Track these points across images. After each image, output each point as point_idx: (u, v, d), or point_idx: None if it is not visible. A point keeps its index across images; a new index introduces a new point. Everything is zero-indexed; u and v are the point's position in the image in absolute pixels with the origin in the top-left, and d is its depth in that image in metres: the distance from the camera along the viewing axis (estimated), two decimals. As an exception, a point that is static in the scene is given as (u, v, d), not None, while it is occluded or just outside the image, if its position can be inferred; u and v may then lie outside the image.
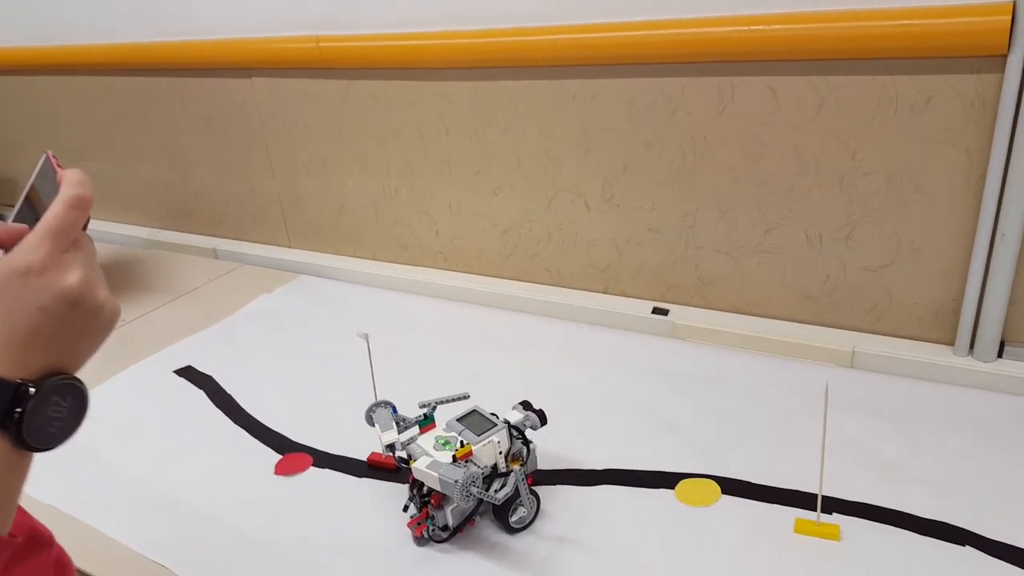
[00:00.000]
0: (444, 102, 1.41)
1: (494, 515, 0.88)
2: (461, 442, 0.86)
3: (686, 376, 1.16)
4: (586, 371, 1.20)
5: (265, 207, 1.77)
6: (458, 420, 0.89)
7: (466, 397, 0.94)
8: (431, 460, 0.83)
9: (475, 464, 0.84)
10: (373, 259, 1.66)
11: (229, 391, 1.22)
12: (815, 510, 0.85)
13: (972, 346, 1.10)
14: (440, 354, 1.29)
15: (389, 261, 1.64)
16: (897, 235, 1.11)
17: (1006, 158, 0.98)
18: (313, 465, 1.02)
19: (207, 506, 0.96)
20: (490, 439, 0.86)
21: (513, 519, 0.87)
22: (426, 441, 0.87)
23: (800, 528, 0.85)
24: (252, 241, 1.83)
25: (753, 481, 0.93)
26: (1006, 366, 1.07)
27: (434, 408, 0.92)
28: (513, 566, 0.83)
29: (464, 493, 0.79)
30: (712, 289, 1.29)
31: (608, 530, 0.87)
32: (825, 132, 1.10)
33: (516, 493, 0.85)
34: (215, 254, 1.83)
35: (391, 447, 0.88)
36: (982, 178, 1.02)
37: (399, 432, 0.89)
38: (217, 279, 1.69)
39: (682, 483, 0.94)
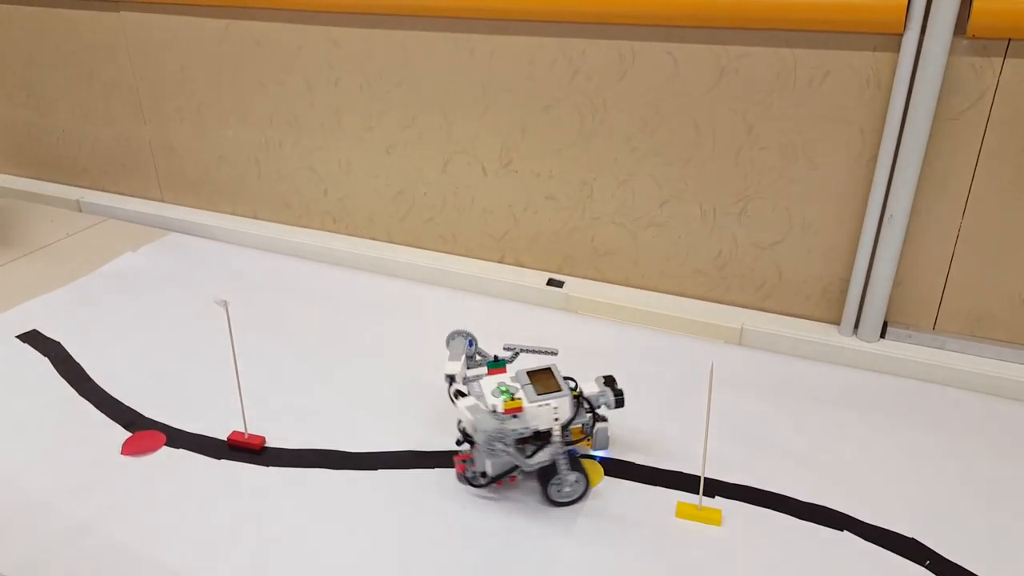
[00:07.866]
0: (334, 48, 1.30)
1: (538, 479, 0.84)
2: (512, 396, 0.81)
3: (577, 350, 1.11)
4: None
5: (135, 156, 1.62)
6: (528, 373, 0.85)
7: (554, 353, 0.90)
8: (474, 403, 0.80)
9: (523, 422, 0.80)
10: (254, 217, 1.54)
11: (78, 359, 1.10)
12: (698, 493, 0.83)
13: (857, 326, 1.11)
14: (322, 323, 1.21)
15: (272, 220, 1.52)
16: (789, 212, 1.10)
17: (897, 138, 0.98)
18: (166, 444, 0.93)
19: (36, 490, 0.85)
20: (548, 403, 0.81)
21: (554, 491, 0.82)
22: (488, 384, 0.84)
23: (682, 512, 0.83)
24: (121, 193, 1.67)
25: (637, 462, 0.90)
26: (888, 347, 1.09)
27: (516, 354, 0.89)
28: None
29: (488, 445, 0.77)
30: (607, 261, 1.25)
31: (479, 516, 0.82)
32: (723, 104, 1.07)
33: (555, 467, 0.81)
34: (79, 206, 1.66)
35: (451, 378, 0.84)
36: (874, 158, 1.01)
37: (468, 368, 0.86)
38: (78, 233, 1.54)
39: (564, 464, 0.90)
